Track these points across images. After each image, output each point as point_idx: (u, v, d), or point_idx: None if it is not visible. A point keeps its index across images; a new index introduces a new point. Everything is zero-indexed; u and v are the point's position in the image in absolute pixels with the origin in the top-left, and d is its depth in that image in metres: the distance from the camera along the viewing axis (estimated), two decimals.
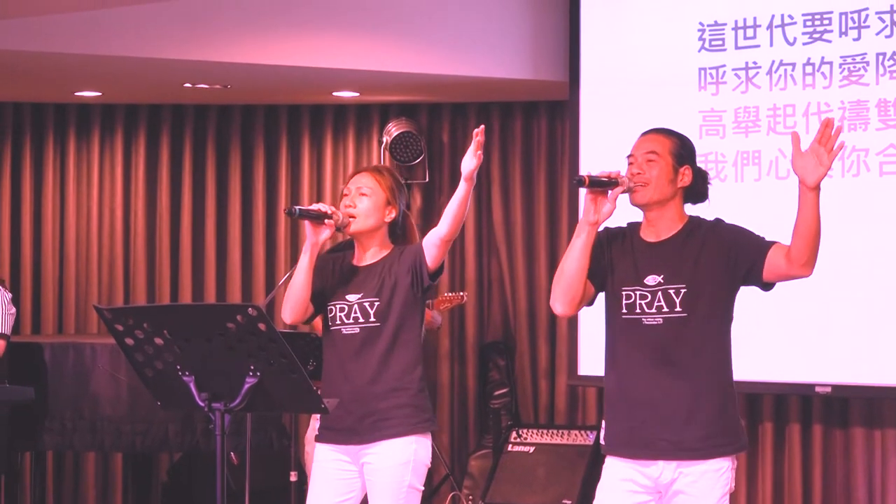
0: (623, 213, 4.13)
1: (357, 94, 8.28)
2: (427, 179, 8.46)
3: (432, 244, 4.53)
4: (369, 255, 4.62)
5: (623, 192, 4.03)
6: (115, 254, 8.66)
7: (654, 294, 4.04)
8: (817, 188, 3.86)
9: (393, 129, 8.33)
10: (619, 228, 4.20)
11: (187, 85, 7.92)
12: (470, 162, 4.41)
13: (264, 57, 7.26)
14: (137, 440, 6.66)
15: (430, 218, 8.54)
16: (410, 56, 7.49)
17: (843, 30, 6.67)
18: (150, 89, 8.25)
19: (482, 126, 4.44)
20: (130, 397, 6.60)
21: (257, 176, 8.69)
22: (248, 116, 8.72)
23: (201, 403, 3.79)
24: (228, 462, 4.46)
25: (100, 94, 8.33)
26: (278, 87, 8.12)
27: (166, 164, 8.71)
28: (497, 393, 8.32)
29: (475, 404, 8.49)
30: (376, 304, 4.52)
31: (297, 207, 4.51)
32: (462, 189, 4.46)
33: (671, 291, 4.03)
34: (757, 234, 4.10)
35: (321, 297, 4.59)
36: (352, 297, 4.56)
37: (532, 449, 7.46)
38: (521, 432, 7.58)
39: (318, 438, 4.63)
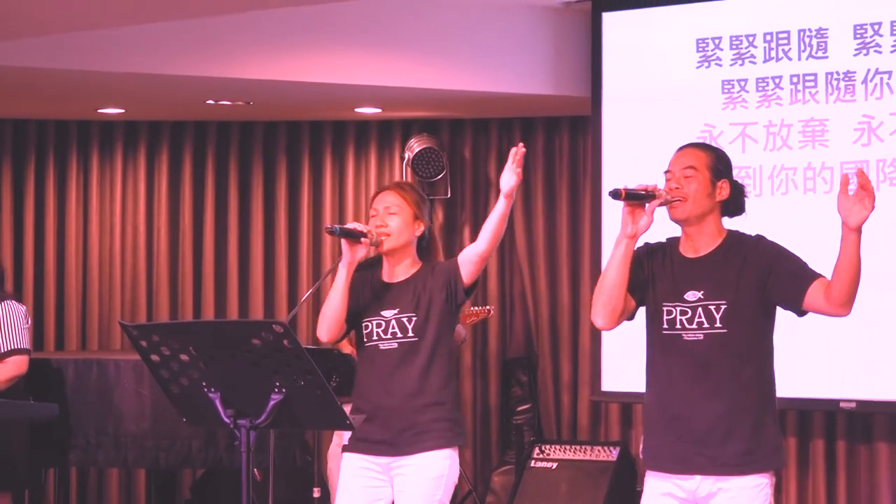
0: (660, 228, 4.14)
1: (379, 111, 8.28)
2: (449, 195, 8.46)
3: (469, 260, 4.56)
4: (401, 271, 4.64)
5: (660, 204, 4.03)
6: (137, 270, 8.68)
7: (694, 310, 4.05)
8: (859, 230, 3.83)
9: (415, 145, 8.33)
10: (659, 243, 4.20)
11: (210, 101, 7.94)
12: (510, 178, 4.45)
13: (286, 73, 7.28)
14: (161, 456, 6.65)
15: (452, 234, 8.54)
16: (432, 72, 7.49)
17: (874, 44, 6.64)
18: (173, 106, 8.28)
19: (521, 143, 4.50)
20: (154, 413, 6.60)
21: (279, 192, 8.70)
22: (271, 133, 8.74)
23: (227, 420, 3.78)
24: (251, 478, 4.45)
25: (123, 111, 8.35)
26: (300, 104, 8.13)
27: (189, 181, 8.73)
28: (520, 408, 8.30)
29: (498, 420, 8.48)
30: (414, 319, 4.55)
31: (339, 226, 4.56)
32: (501, 205, 4.49)
33: (711, 307, 4.03)
34: (801, 259, 4.08)
35: (353, 313, 4.61)
36: (387, 313, 4.59)
37: (555, 465, 7.44)
38: (543, 448, 7.56)
39: (348, 448, 4.64)
